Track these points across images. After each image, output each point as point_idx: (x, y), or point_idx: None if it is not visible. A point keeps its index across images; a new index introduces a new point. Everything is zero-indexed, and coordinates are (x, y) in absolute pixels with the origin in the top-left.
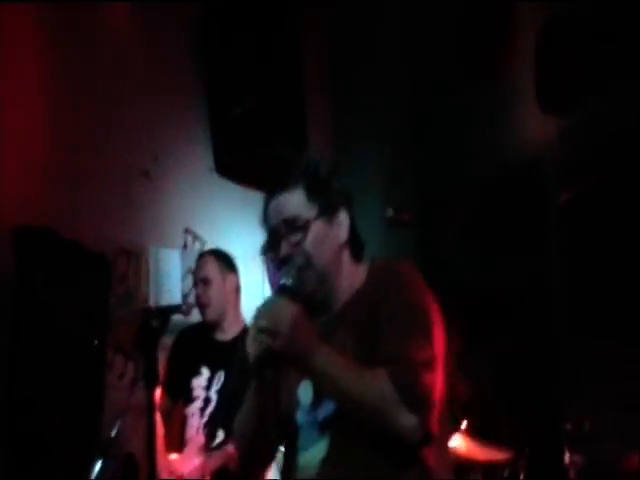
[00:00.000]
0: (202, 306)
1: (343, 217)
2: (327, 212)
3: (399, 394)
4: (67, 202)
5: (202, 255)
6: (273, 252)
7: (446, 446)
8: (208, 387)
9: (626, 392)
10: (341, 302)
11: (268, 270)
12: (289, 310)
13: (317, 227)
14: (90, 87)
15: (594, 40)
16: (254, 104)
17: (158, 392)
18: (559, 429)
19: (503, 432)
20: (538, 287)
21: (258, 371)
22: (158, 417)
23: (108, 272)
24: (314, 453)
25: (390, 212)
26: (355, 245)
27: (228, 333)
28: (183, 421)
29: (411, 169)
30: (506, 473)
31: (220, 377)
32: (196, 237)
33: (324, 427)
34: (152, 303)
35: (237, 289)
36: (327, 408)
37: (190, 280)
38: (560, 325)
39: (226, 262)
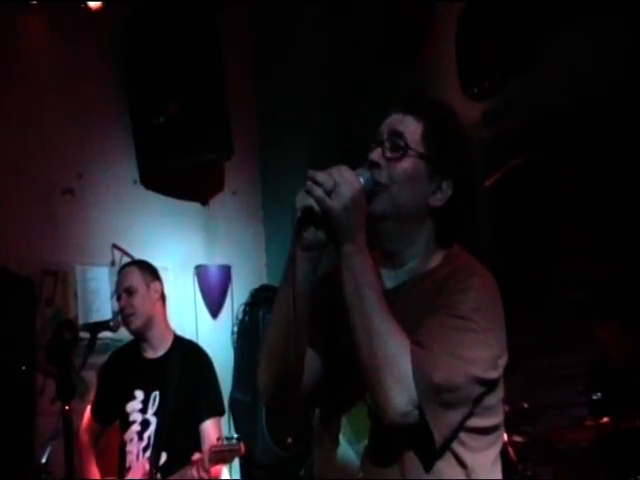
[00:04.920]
0: (127, 316)
1: (447, 187)
2: (434, 162)
3: (412, 366)
4: None
5: (124, 266)
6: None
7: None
8: (144, 410)
9: (560, 370)
10: (406, 273)
11: (199, 280)
12: (355, 181)
13: (417, 164)
14: (7, 105)
15: (513, 23)
16: (176, 112)
17: (87, 415)
18: None
19: None
20: None
21: (299, 228)
22: (87, 440)
23: (33, 295)
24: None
25: None
26: (446, 231)
27: (158, 350)
28: (121, 447)
29: (338, 162)
30: None
31: (156, 397)
32: (124, 252)
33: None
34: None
35: (162, 297)
36: None
37: None
38: None
39: (149, 271)
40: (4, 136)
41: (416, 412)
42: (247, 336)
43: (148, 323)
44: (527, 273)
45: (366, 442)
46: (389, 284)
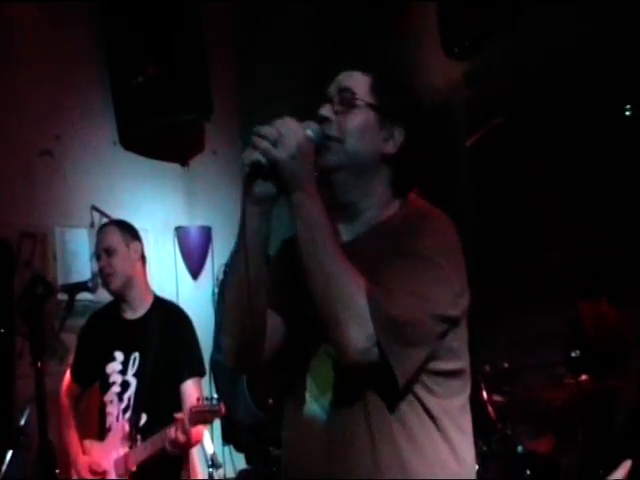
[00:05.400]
0: (106, 276)
1: (399, 133)
2: (385, 112)
3: (369, 305)
4: None
5: (104, 226)
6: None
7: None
8: (124, 371)
9: (538, 324)
10: (363, 224)
11: (180, 241)
12: (300, 130)
13: (366, 114)
14: None
15: None
16: (155, 72)
17: (67, 378)
18: (476, 371)
19: None
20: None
21: (248, 183)
22: (67, 403)
23: (11, 257)
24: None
25: None
26: (401, 179)
27: (138, 311)
28: (101, 408)
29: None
30: None
31: (135, 359)
32: (103, 214)
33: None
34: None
35: (142, 258)
36: None
37: None
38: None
39: (129, 231)
40: None
41: (375, 349)
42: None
43: (128, 283)
44: (508, 233)
45: (330, 394)
46: (346, 237)
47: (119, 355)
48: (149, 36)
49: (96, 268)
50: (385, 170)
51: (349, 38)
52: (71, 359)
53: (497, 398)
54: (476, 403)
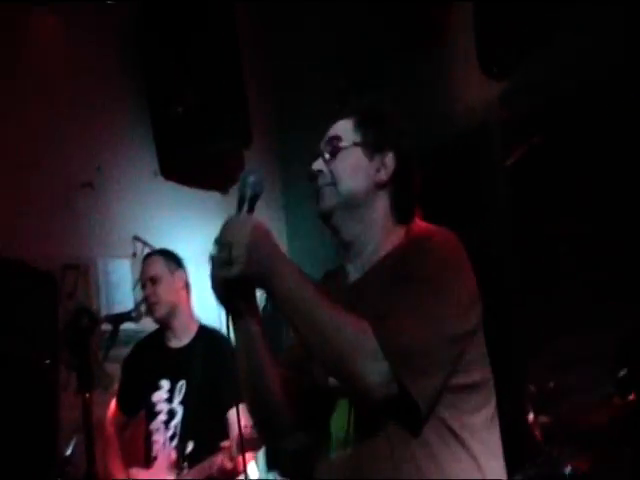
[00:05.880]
0: (151, 305)
1: (389, 160)
2: (371, 145)
3: (377, 341)
4: (8, 221)
5: (148, 255)
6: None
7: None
8: (170, 399)
9: (589, 349)
10: (367, 262)
11: None
12: (246, 228)
13: (355, 153)
14: (24, 102)
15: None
16: (194, 101)
17: (112, 407)
18: (522, 391)
19: None
20: (489, 251)
21: (227, 308)
22: (112, 432)
23: (54, 289)
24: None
25: None
26: (398, 204)
27: (183, 339)
28: (147, 437)
29: None
30: None
31: (182, 387)
32: (145, 244)
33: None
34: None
35: (187, 286)
36: None
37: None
38: (513, 286)
39: (173, 259)
40: (22, 131)
41: (394, 384)
42: (270, 323)
43: (172, 312)
44: (551, 251)
45: (352, 430)
46: (354, 276)
47: (165, 383)
48: (186, 64)
49: (140, 297)
50: (382, 199)
51: (384, 58)
52: (115, 388)
53: (543, 419)
54: (522, 424)
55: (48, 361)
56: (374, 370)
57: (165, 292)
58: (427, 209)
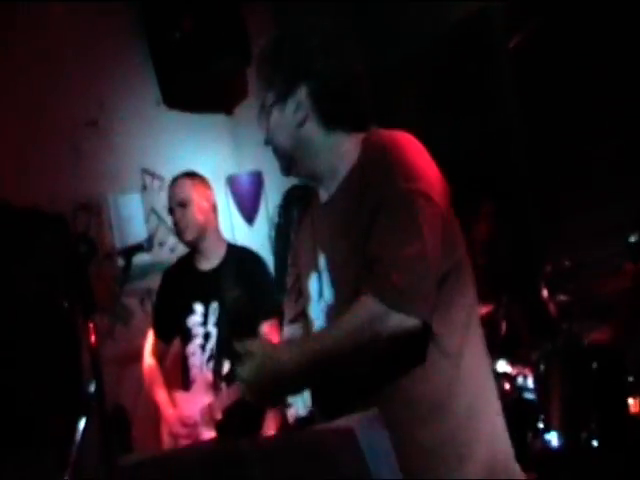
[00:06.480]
0: (182, 229)
1: (302, 94)
2: (280, 97)
3: (383, 301)
4: (16, 165)
5: (176, 179)
6: None
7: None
8: (205, 322)
9: (603, 224)
10: (336, 181)
11: (232, 189)
12: (255, 362)
13: (274, 113)
14: (25, 43)
15: None
16: (192, 25)
17: (150, 338)
18: (538, 271)
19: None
20: (503, 136)
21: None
22: (153, 362)
23: (67, 231)
24: None
25: None
26: (334, 123)
27: (213, 260)
28: (184, 361)
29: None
30: (487, 326)
31: (215, 309)
32: (155, 175)
33: (328, 317)
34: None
35: (214, 208)
36: (328, 296)
37: (154, 220)
38: (529, 169)
39: (201, 181)
40: (22, 74)
41: (411, 319)
42: (283, 238)
43: (202, 234)
44: (560, 131)
45: None
46: (324, 198)
47: (199, 307)
48: None
49: (152, 230)
50: (316, 129)
51: None
52: (135, 322)
53: (561, 297)
54: (539, 303)
55: (66, 304)
56: (398, 324)
57: (195, 215)
58: (432, 99)
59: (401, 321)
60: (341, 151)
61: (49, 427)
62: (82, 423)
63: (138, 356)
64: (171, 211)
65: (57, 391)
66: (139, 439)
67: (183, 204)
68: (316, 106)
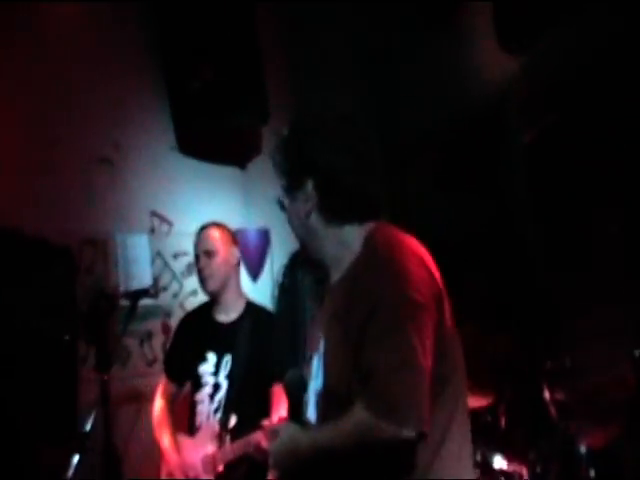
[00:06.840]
0: (205, 278)
1: (309, 187)
2: (291, 189)
3: (376, 414)
4: (26, 196)
5: (205, 228)
6: None
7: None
8: (216, 372)
9: (605, 325)
10: (341, 270)
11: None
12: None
13: (287, 201)
14: (41, 78)
15: None
16: (211, 75)
17: (162, 381)
18: (539, 367)
19: (482, 378)
20: (510, 227)
21: None
22: (163, 403)
23: (72, 264)
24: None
25: None
26: (332, 209)
27: (231, 314)
28: (191, 406)
29: (373, 121)
30: (488, 418)
31: (227, 361)
32: (163, 219)
33: (317, 400)
34: (123, 290)
35: (239, 264)
36: (317, 381)
37: (159, 264)
38: (534, 263)
39: (229, 235)
40: (40, 108)
41: (406, 429)
42: (286, 299)
43: (224, 286)
44: (569, 229)
45: None
46: (334, 278)
47: (212, 357)
48: (204, 39)
49: (157, 273)
50: (313, 218)
51: (402, 36)
52: (132, 364)
53: (559, 396)
54: (538, 401)
55: (66, 337)
56: (393, 435)
57: (220, 266)
58: (445, 186)
59: (395, 432)
60: (345, 242)
61: (42, 460)
62: (75, 459)
63: (132, 396)
64: (197, 258)
65: (51, 424)
66: (131, 475)
67: (209, 253)
68: (321, 199)
